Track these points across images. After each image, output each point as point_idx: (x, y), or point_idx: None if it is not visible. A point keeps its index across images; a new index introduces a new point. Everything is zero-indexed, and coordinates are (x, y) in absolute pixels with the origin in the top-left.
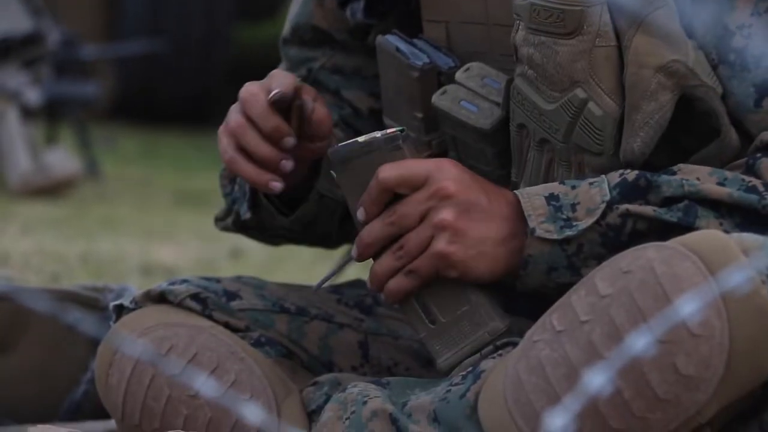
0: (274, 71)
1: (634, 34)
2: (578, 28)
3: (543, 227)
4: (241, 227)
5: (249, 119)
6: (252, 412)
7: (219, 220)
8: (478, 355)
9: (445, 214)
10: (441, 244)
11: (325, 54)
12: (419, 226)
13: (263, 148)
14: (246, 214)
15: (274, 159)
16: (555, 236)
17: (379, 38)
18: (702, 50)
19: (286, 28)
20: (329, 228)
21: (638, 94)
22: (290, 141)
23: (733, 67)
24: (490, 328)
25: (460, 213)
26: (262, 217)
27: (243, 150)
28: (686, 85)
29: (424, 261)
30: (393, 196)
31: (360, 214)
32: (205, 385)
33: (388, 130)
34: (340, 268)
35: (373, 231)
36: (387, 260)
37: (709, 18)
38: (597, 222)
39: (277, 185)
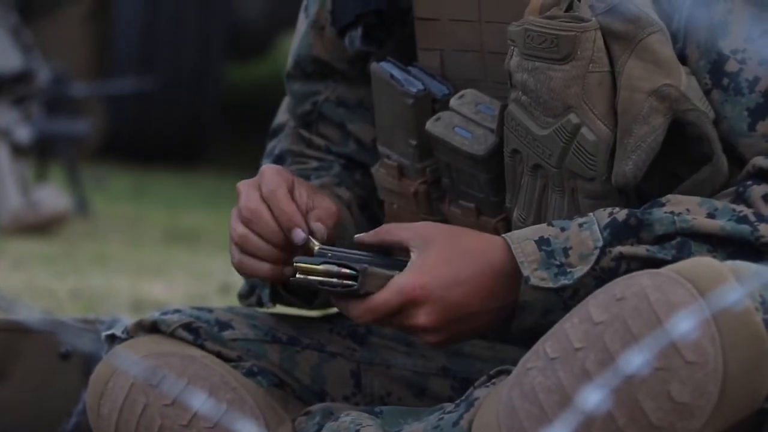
0: (264, 168)
1: (627, 59)
2: (572, 53)
3: (537, 275)
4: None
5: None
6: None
7: (243, 297)
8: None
9: (428, 339)
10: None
11: (328, 87)
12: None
13: (269, 250)
14: (269, 305)
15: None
16: (550, 284)
17: (374, 65)
18: (695, 75)
19: (289, 63)
20: None
21: (630, 118)
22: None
23: (727, 91)
24: None
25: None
26: (284, 303)
27: (251, 254)
28: (678, 109)
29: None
30: None
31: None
32: (204, 405)
33: (344, 271)
34: None
35: None
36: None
37: (702, 43)
38: (591, 268)
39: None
